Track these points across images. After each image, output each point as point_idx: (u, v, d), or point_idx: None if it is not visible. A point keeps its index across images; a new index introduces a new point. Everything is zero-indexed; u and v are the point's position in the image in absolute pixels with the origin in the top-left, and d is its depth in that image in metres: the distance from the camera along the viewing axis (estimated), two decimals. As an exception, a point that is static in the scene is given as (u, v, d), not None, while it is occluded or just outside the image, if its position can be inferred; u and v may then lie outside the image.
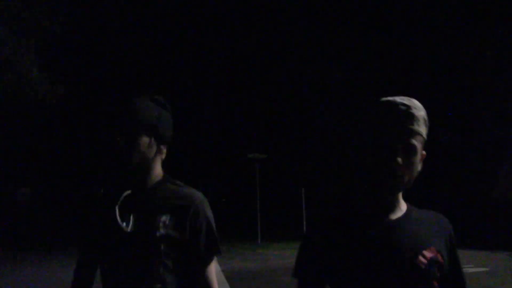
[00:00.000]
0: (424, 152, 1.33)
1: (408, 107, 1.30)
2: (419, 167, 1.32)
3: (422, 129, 1.31)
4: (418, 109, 1.32)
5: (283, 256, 14.27)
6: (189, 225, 1.65)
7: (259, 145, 20.85)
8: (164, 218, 1.64)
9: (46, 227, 23.05)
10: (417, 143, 1.28)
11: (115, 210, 1.65)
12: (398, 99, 1.33)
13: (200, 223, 1.67)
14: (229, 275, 10.13)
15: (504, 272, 10.30)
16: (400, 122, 1.28)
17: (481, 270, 10.52)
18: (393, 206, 1.35)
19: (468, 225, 15.94)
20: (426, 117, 1.34)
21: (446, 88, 16.95)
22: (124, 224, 1.62)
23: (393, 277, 1.26)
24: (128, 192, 1.71)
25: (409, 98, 1.35)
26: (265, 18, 19.33)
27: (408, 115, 1.29)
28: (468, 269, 10.32)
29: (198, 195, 1.72)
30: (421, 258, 1.28)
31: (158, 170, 1.76)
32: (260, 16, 19.46)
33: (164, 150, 1.78)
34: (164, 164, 1.77)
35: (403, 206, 1.38)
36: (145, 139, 1.69)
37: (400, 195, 1.38)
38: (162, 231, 1.61)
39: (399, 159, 1.25)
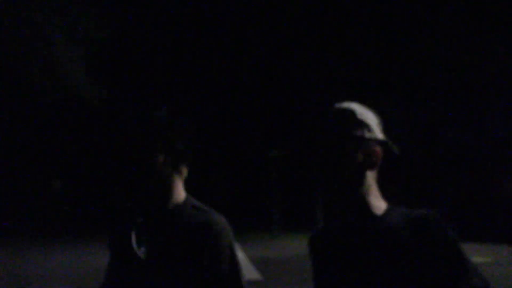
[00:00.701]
0: (376, 149, 1.33)
1: (339, 111, 1.36)
2: (365, 166, 1.32)
3: (358, 130, 1.32)
4: (352, 112, 1.35)
5: (299, 246, 14.34)
6: (207, 257, 1.45)
7: (276, 142, 20.93)
8: (180, 247, 1.46)
9: (77, 216, 24.26)
10: (348, 145, 1.30)
11: (131, 234, 1.52)
12: (335, 105, 1.39)
13: (218, 255, 1.46)
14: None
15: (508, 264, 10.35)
16: (331, 126, 1.32)
17: (486, 261, 10.61)
18: (360, 204, 1.32)
19: (479, 218, 15.98)
20: (367, 119, 1.35)
21: (458, 86, 16.65)
22: (141, 249, 1.49)
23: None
24: (146, 214, 1.56)
25: (348, 102, 1.39)
26: (287, 13, 19.65)
27: (339, 118, 1.34)
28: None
29: (218, 224, 1.50)
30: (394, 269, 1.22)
31: (177, 192, 1.57)
32: (281, 11, 19.87)
33: (185, 170, 1.59)
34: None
35: (380, 205, 1.34)
36: (160, 158, 1.51)
37: (371, 196, 1.33)
38: (177, 261, 1.45)
39: (330, 164, 1.30)
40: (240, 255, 11.62)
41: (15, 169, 21.97)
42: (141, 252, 1.50)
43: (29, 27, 14.69)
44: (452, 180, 18.04)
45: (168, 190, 1.56)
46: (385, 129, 1.41)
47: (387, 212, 1.32)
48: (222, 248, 1.48)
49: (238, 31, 21.97)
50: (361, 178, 1.32)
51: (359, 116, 1.34)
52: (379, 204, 1.34)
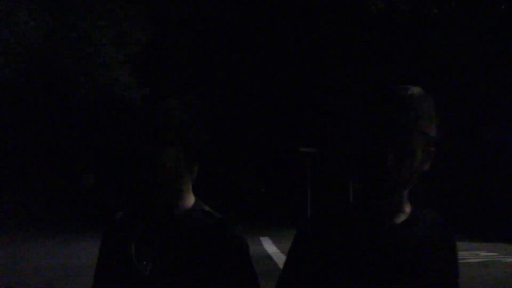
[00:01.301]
0: (433, 149, 1.15)
1: (406, 97, 1.11)
2: (421, 167, 1.14)
3: (424, 124, 1.11)
4: (420, 99, 1.12)
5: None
6: (225, 273, 1.28)
7: (309, 138, 20.86)
8: (192, 262, 1.28)
9: (108, 211, 25.10)
10: (414, 141, 1.09)
11: (131, 246, 1.31)
12: (397, 87, 1.15)
13: (239, 271, 1.30)
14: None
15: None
16: (393, 115, 1.09)
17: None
18: (394, 208, 1.17)
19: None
20: (431, 110, 1.14)
21: (499, 83, 16.44)
22: (143, 264, 1.28)
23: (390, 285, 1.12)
24: (150, 221, 1.34)
25: (412, 86, 1.15)
26: (314, 10, 19.84)
27: (404, 107, 1.09)
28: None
29: (236, 235, 1.34)
30: (423, 267, 1.14)
31: (188, 195, 1.37)
32: (307, 8, 20.03)
33: (196, 169, 1.39)
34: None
35: (406, 208, 1.20)
36: (171, 152, 1.31)
37: (403, 196, 1.18)
38: (188, 278, 1.26)
39: (390, 161, 1.08)
40: (275, 249, 12.18)
41: (49, 164, 22.83)
42: (143, 267, 1.27)
43: (75, 30, 15.54)
44: (493, 180, 17.83)
45: (178, 191, 1.34)
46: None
47: (412, 215, 1.20)
48: (242, 261, 1.30)
49: (274, 27, 22.26)
50: (411, 180, 1.14)
51: (428, 105, 1.13)
52: (406, 208, 1.20)
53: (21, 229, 16.84)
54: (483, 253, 11.28)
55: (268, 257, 10.98)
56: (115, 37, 15.92)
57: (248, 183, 26.95)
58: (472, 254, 10.89)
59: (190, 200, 1.38)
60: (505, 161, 17.32)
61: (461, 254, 7.57)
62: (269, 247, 12.85)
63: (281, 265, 1.31)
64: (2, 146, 20.64)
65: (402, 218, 1.19)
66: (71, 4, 15.40)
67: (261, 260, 10.02)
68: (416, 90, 1.14)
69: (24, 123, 20.59)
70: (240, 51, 23.46)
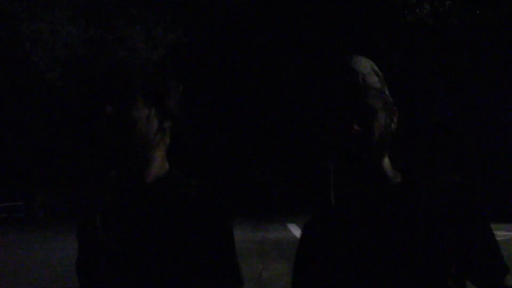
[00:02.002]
0: (395, 108, 1.09)
1: (352, 62, 1.07)
2: (387, 129, 1.05)
3: (376, 82, 1.05)
4: (365, 62, 1.08)
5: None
6: (197, 243, 1.12)
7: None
8: (163, 231, 1.13)
9: None
10: (374, 103, 1.03)
11: (96, 214, 1.21)
12: (341, 57, 1.10)
13: (213, 243, 1.13)
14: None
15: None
16: (346, 81, 1.03)
17: None
18: (378, 177, 1.06)
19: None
20: (380, 71, 1.10)
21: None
22: (107, 232, 1.17)
23: (390, 271, 0.99)
24: (118, 188, 1.21)
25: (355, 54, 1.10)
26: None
27: (353, 71, 1.05)
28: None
29: (215, 202, 1.16)
30: (423, 245, 0.98)
31: (160, 160, 1.21)
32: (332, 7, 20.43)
33: (168, 133, 1.23)
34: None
35: (395, 177, 1.09)
36: (142, 110, 1.14)
37: (383, 164, 1.07)
38: (157, 248, 1.11)
39: (355, 126, 1.01)
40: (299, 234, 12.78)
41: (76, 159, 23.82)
42: (107, 236, 1.17)
43: (112, 33, 16.62)
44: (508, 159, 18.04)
45: (150, 156, 1.19)
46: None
47: (406, 180, 1.10)
48: (218, 234, 1.15)
49: (301, 27, 22.86)
50: (384, 145, 1.06)
51: (374, 66, 1.10)
52: (395, 173, 1.10)
53: (54, 224, 17.53)
54: (502, 232, 11.58)
55: (298, 241, 11.68)
56: (148, 40, 16.94)
57: (271, 173, 27.42)
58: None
59: (163, 167, 1.21)
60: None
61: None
62: (297, 232, 13.31)
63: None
64: (42, 145, 21.97)
65: (394, 181, 1.08)
66: (108, 10, 16.48)
67: (290, 245, 10.63)
68: (358, 56, 1.10)
69: (62, 123, 21.79)
70: (266, 45, 24.17)
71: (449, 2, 12.19)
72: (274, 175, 27.55)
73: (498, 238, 1.03)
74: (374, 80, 1.07)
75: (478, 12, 12.14)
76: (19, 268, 8.90)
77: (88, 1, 16.34)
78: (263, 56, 24.28)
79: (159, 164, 1.20)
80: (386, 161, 1.10)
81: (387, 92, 1.09)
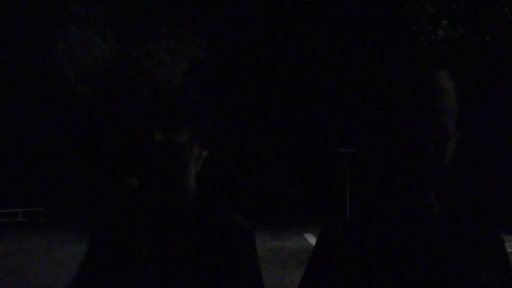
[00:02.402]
0: (458, 132, 0.99)
1: (432, 77, 0.97)
2: (452, 153, 0.97)
3: (454, 103, 0.98)
4: (444, 77, 0.99)
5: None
6: (225, 269, 1.16)
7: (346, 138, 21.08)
8: (191, 250, 1.17)
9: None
10: (449, 124, 0.96)
11: (129, 231, 1.22)
12: (417, 68, 1.00)
13: (240, 267, 1.19)
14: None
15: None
16: (426, 99, 0.95)
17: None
18: (424, 206, 1.01)
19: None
20: (453, 87, 1.00)
21: None
22: (140, 250, 1.19)
23: None
24: (152, 208, 1.23)
25: (432, 66, 1.01)
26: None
27: (435, 89, 0.96)
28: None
29: (244, 227, 1.23)
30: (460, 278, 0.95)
31: (193, 185, 1.26)
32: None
33: (202, 159, 1.28)
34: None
35: (435, 206, 1.03)
36: (183, 132, 1.19)
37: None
38: (184, 267, 1.16)
39: (430, 152, 0.94)
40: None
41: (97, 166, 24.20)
42: (140, 253, 1.19)
43: (139, 48, 17.35)
44: None
45: (185, 179, 1.23)
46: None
47: (446, 210, 1.04)
48: (245, 254, 1.20)
49: (320, 35, 23.06)
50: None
51: (451, 83, 1.00)
52: (435, 201, 1.04)
53: (74, 229, 17.59)
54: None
55: None
56: (175, 53, 17.61)
57: (286, 184, 27.66)
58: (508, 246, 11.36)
59: (194, 191, 1.26)
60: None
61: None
62: (314, 241, 13.69)
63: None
64: (64, 152, 22.49)
65: (431, 217, 1.02)
66: (135, 26, 17.24)
67: (308, 253, 11.18)
68: (437, 69, 1.00)
69: (86, 131, 22.34)
70: (281, 50, 24.54)
71: (462, 29, 12.97)
72: (290, 186, 27.75)
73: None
74: (452, 100, 0.99)
75: (488, 39, 12.80)
76: (40, 271, 9.12)
77: (116, 17, 17.09)
78: (289, 70, 24.58)
79: (191, 188, 1.26)
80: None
81: (458, 114, 1.01)
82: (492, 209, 16.63)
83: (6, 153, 24.10)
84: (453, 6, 13.17)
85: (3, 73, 17.08)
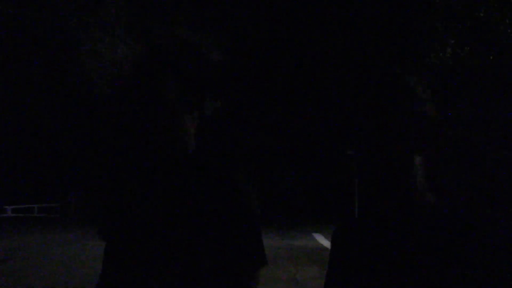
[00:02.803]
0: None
1: (414, 86, 1.01)
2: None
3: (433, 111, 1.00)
4: (422, 85, 1.02)
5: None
6: (223, 223, 1.14)
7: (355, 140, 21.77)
8: (186, 209, 1.15)
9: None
10: (431, 132, 0.99)
11: (128, 188, 1.26)
12: (395, 76, 1.03)
13: (239, 222, 1.15)
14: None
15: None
16: (409, 108, 0.99)
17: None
18: (423, 206, 1.03)
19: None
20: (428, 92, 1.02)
21: None
22: (142, 207, 1.20)
23: None
24: (146, 164, 1.22)
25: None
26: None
27: (419, 98, 0.99)
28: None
29: (241, 183, 1.19)
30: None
31: (187, 138, 1.22)
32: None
33: (197, 113, 1.25)
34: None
35: (435, 206, 1.04)
36: (171, 84, 1.18)
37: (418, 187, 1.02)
38: (180, 227, 1.13)
39: (416, 162, 0.97)
40: (328, 243, 12.73)
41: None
42: (143, 210, 1.17)
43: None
44: None
45: (179, 132, 1.19)
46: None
47: (435, 210, 1.02)
48: (241, 213, 1.15)
49: (331, 35, 23.49)
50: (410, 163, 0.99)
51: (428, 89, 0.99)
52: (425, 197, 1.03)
53: (88, 224, 17.87)
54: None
55: (324, 249, 12.06)
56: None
57: (295, 184, 27.95)
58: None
59: (191, 146, 1.23)
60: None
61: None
62: (323, 241, 13.97)
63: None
64: (78, 149, 23.14)
65: (434, 212, 1.01)
66: (154, 30, 17.90)
67: (317, 251, 11.56)
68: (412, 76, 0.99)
69: (102, 129, 22.99)
70: (291, 52, 25.04)
71: (468, 48, 13.84)
72: (299, 186, 27.98)
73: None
74: (426, 105, 1.00)
75: (491, 57, 13.63)
76: (55, 266, 9.26)
77: (135, 21, 17.78)
78: (300, 70, 24.94)
79: (186, 142, 1.22)
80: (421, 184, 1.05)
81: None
82: (492, 209, 17.02)
83: (24, 149, 24.85)
84: (459, 25, 14.07)
85: (32, 74, 17.87)
